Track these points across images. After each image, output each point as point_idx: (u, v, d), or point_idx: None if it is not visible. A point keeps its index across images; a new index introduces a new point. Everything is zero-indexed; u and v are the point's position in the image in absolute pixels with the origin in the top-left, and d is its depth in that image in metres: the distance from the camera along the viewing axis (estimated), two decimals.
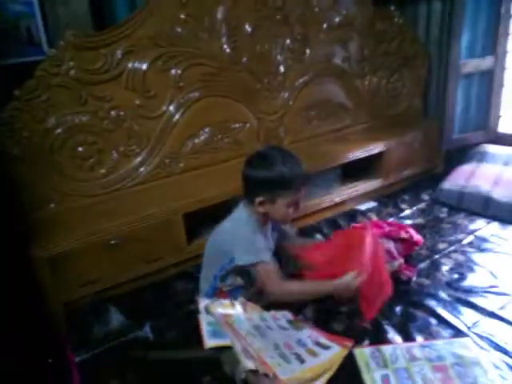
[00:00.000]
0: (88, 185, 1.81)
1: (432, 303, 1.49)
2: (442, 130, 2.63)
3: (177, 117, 1.93)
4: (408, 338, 1.34)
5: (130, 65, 1.77)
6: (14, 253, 1.61)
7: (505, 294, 1.52)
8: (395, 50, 2.55)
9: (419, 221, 2.11)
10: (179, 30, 1.84)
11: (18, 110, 1.60)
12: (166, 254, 1.76)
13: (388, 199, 2.36)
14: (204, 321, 1.27)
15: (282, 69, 2.18)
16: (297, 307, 1.45)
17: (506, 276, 1.62)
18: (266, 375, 1.09)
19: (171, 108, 1.91)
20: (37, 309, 1.60)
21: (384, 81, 2.58)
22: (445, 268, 1.70)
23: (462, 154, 2.55)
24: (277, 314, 1.39)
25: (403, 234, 1.71)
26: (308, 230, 2.03)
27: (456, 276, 1.64)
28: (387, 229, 1.73)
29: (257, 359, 1.13)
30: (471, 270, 1.68)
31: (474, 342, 1.29)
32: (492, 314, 1.43)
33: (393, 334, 1.35)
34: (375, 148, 2.31)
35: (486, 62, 2.54)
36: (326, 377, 1.15)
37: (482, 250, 1.81)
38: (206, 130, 2.02)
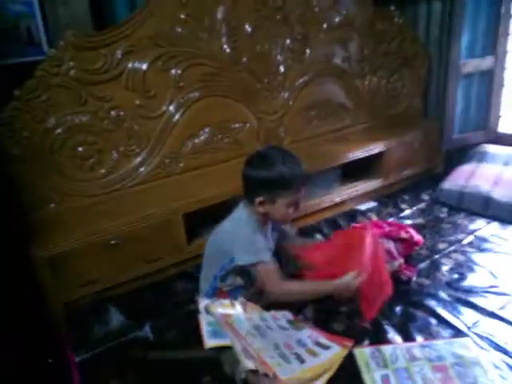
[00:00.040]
0: (88, 185, 1.81)
1: (432, 303, 1.49)
2: (441, 129, 2.63)
3: (177, 117, 1.93)
4: (408, 338, 1.34)
5: (130, 65, 1.77)
6: (13, 253, 1.61)
7: (505, 294, 1.52)
8: (395, 50, 2.55)
9: (419, 221, 2.11)
10: (179, 29, 1.84)
11: (18, 109, 1.60)
12: (165, 253, 1.76)
13: (388, 199, 2.36)
14: (204, 321, 1.27)
15: (282, 69, 2.18)
16: (297, 307, 1.45)
17: (506, 276, 1.62)
18: (266, 375, 1.09)
19: (171, 108, 1.91)
20: (37, 309, 1.60)
21: (384, 81, 2.58)
22: (445, 268, 1.70)
23: (462, 154, 2.55)
24: (277, 314, 1.39)
25: (403, 234, 1.71)
26: (308, 230, 2.03)
27: (456, 276, 1.64)
28: (387, 229, 1.73)
29: (257, 359, 1.13)
30: (471, 270, 1.68)
31: (474, 342, 1.29)
32: (492, 314, 1.43)
33: (393, 334, 1.35)
34: (375, 148, 2.31)
35: (486, 62, 2.54)
36: (326, 377, 1.15)
37: (482, 250, 1.81)
38: (206, 130, 2.02)
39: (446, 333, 1.35)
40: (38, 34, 1.77)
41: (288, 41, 2.15)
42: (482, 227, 2.00)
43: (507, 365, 1.22)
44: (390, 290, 1.43)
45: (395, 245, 1.66)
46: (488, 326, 1.38)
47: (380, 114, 2.63)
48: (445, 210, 2.21)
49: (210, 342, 1.20)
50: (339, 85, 2.41)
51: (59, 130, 1.69)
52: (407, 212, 2.21)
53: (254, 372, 1.10)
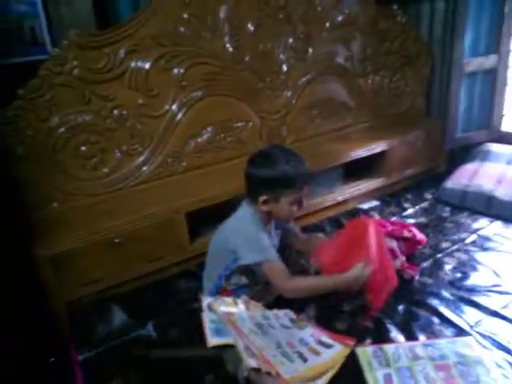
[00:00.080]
0: (91, 184, 1.81)
1: (435, 302, 1.49)
2: (444, 128, 2.62)
3: (179, 116, 1.93)
4: (410, 336, 1.34)
5: (133, 64, 1.77)
6: (16, 252, 1.62)
7: (508, 293, 1.52)
8: (398, 49, 2.54)
9: (422, 220, 2.10)
10: (182, 29, 1.84)
11: (22, 108, 1.60)
12: (168, 252, 1.76)
13: (391, 198, 2.35)
14: (207, 319, 1.28)
15: (284, 68, 2.17)
16: (299, 306, 1.45)
17: (509, 275, 1.62)
18: (269, 374, 1.10)
19: (174, 107, 1.91)
20: (39, 308, 1.61)
21: (387, 80, 2.58)
22: (448, 267, 1.70)
23: (465, 153, 2.54)
24: (279, 312, 1.39)
25: (406, 233, 1.70)
26: (311, 229, 2.02)
27: (459, 275, 1.64)
28: (390, 228, 1.72)
29: (259, 358, 1.13)
30: (474, 268, 1.68)
31: (477, 341, 1.29)
32: (495, 313, 1.43)
33: (395, 333, 1.35)
34: (378, 147, 2.30)
35: (490, 61, 2.53)
36: (329, 376, 1.16)
37: (485, 249, 1.81)
38: (209, 129, 2.02)
39: (449, 332, 1.35)
40: (41, 34, 1.78)
41: (291, 40, 2.15)
42: (485, 226, 2.00)
43: (510, 364, 1.22)
44: (395, 280, 1.43)
45: (398, 244, 1.65)
46: (491, 324, 1.38)
47: (383, 112, 2.62)
48: (448, 209, 2.20)
49: (212, 340, 1.20)
50: (342, 84, 2.41)
51: (62, 129, 1.70)
52: (410, 211, 2.20)
53: (257, 370, 1.10)
